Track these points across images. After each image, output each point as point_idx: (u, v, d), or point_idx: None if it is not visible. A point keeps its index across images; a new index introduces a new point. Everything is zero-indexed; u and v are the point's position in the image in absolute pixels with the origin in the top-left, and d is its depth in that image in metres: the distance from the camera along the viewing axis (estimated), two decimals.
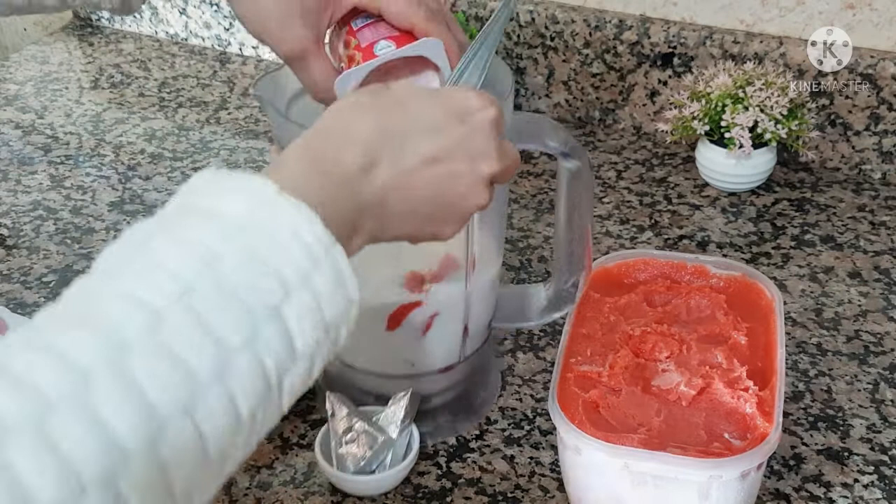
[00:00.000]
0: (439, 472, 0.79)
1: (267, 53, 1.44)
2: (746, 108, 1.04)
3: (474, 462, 0.79)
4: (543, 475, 0.78)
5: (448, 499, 0.76)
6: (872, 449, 0.79)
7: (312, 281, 0.45)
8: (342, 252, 0.47)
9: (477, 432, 0.82)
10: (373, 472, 0.75)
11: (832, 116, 1.12)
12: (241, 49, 1.46)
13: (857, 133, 1.12)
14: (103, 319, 0.40)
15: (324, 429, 0.77)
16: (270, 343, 0.44)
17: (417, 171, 0.53)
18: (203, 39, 1.48)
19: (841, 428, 0.81)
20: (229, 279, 0.43)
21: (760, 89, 1.04)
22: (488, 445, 0.81)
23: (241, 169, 0.48)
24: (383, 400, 0.78)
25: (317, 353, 0.46)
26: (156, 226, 0.46)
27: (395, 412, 0.77)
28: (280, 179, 0.47)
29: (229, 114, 1.31)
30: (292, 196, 0.46)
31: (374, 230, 0.53)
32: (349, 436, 0.76)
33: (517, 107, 1.27)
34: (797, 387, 0.85)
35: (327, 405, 0.77)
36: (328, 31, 0.70)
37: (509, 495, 0.76)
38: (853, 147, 1.13)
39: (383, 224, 0.53)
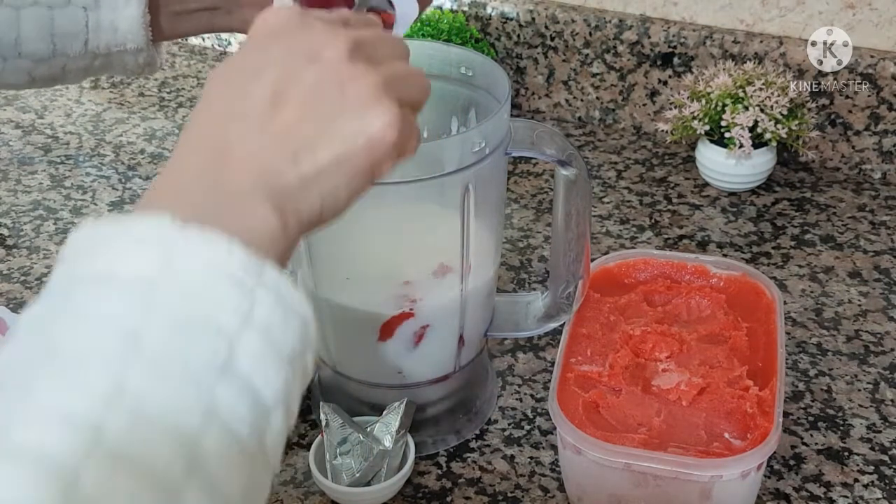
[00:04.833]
0: (439, 472, 0.78)
1: None
2: (746, 108, 1.04)
3: (474, 462, 0.79)
4: (543, 475, 0.78)
5: (448, 499, 0.76)
6: (872, 449, 0.79)
7: (254, 317, 0.38)
8: (275, 268, 0.40)
9: (477, 432, 0.82)
10: (368, 483, 0.75)
11: (832, 116, 1.12)
12: None
13: (857, 133, 1.12)
14: (36, 453, 0.33)
15: (318, 440, 0.77)
16: (234, 408, 0.37)
17: (269, 115, 0.43)
18: (203, 39, 1.48)
19: (841, 428, 0.81)
20: (159, 355, 0.36)
21: (760, 89, 1.04)
22: (488, 445, 0.81)
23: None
24: (378, 409, 0.78)
25: (290, 393, 0.40)
26: (49, 311, 0.38)
27: (389, 422, 0.76)
28: (173, 204, 0.40)
29: None
30: (195, 223, 0.39)
31: (297, 199, 0.43)
32: (343, 447, 0.75)
33: (517, 107, 1.27)
34: (797, 387, 0.85)
35: (321, 416, 0.76)
36: None
37: (509, 495, 0.76)
38: (853, 147, 1.13)
39: (299, 182, 0.43)
